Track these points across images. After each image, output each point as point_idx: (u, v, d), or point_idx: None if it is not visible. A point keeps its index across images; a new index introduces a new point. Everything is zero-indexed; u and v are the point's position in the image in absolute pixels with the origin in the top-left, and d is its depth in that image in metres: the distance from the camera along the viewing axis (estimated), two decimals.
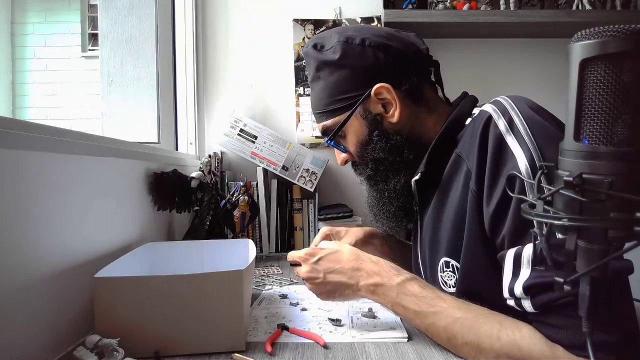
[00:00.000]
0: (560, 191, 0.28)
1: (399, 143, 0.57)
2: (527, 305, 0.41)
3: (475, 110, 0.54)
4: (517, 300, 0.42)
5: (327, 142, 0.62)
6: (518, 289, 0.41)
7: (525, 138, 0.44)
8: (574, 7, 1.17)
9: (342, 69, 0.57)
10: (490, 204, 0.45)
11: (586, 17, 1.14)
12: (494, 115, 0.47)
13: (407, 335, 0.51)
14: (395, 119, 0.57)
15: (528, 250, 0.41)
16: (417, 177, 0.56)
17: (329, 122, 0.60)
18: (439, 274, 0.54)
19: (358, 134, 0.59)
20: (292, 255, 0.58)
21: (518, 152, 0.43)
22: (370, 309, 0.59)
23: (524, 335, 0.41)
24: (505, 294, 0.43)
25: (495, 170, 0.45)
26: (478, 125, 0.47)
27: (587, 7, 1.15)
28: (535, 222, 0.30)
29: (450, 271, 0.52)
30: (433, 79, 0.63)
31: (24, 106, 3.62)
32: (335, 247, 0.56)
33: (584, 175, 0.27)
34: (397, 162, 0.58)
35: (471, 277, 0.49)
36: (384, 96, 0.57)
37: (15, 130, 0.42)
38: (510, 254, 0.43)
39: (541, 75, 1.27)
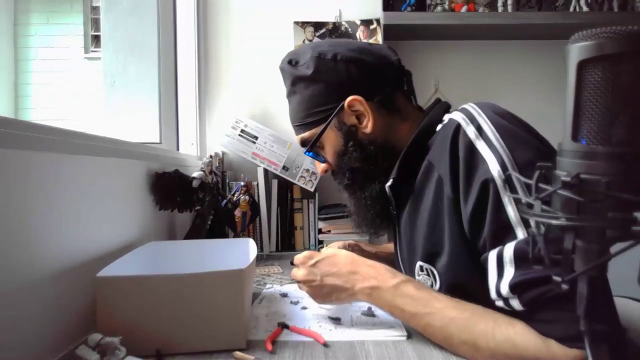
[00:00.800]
0: (558, 191, 0.28)
1: (374, 152, 0.59)
2: (516, 304, 0.42)
3: (445, 117, 0.56)
4: (505, 300, 0.43)
5: (305, 153, 0.64)
6: (504, 289, 0.42)
7: (495, 142, 0.45)
8: (572, 9, 1.18)
9: (316, 83, 0.59)
10: (467, 209, 0.46)
11: (583, 18, 1.14)
12: (463, 123, 0.48)
13: (406, 334, 0.51)
14: (368, 130, 0.59)
15: (509, 249, 0.42)
16: (389, 183, 0.58)
17: (306, 134, 0.63)
18: (417, 277, 0.55)
19: (334, 145, 0.61)
20: (295, 258, 0.59)
21: (489, 156, 0.45)
22: (369, 308, 0.59)
23: (518, 332, 0.42)
24: (493, 295, 0.44)
25: (468, 176, 0.46)
26: (447, 134, 0.49)
27: (585, 8, 1.16)
28: (532, 221, 0.30)
29: (425, 275, 0.54)
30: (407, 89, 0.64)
31: (26, 107, 3.63)
32: (332, 251, 0.57)
33: (581, 176, 0.27)
34: (372, 171, 0.60)
35: (455, 280, 0.50)
36: (357, 108, 0.59)
37: (16, 130, 0.42)
38: (492, 255, 0.43)
39: (539, 76, 1.27)
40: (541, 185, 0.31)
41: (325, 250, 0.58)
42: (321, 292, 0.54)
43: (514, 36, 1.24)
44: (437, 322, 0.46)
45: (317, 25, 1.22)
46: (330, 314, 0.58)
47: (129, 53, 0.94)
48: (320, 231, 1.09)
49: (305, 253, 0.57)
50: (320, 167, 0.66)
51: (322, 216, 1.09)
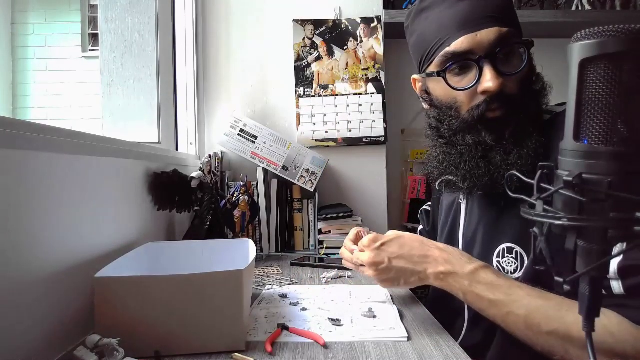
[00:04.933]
0: (560, 191, 0.28)
1: (544, 94, 0.54)
2: (617, 286, 0.40)
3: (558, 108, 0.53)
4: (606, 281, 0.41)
5: (514, 45, 0.52)
6: (611, 269, 0.40)
7: None
8: (574, 7, 1.17)
9: None
10: None
11: (586, 17, 1.14)
12: None
13: (407, 335, 0.51)
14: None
15: None
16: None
17: (513, 30, 0.52)
18: (495, 259, 0.53)
19: (532, 65, 0.53)
20: (360, 243, 0.55)
21: None
22: (370, 309, 0.59)
23: (613, 321, 0.40)
24: None
25: None
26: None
27: (587, 7, 1.16)
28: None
29: (512, 257, 0.51)
30: None
31: (24, 106, 3.62)
32: (397, 233, 0.54)
33: (583, 175, 0.27)
34: (540, 113, 0.53)
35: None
36: None
37: (16, 130, 0.42)
38: None
39: None
40: (543, 185, 0.30)
41: (389, 232, 0.56)
42: (388, 275, 0.52)
43: None
44: (521, 310, 0.44)
45: (317, 23, 1.22)
46: (330, 315, 0.58)
47: (127, 51, 0.93)
48: (320, 232, 1.09)
49: (370, 236, 0.55)
50: (498, 80, 0.50)
51: (322, 216, 1.09)
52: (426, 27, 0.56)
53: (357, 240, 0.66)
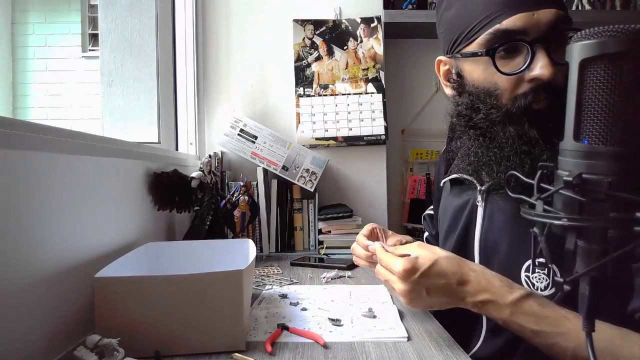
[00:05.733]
0: (560, 191, 0.28)
1: None
2: None
3: None
4: None
5: (569, 30, 0.47)
6: None
7: None
8: (574, 7, 1.17)
9: None
10: None
11: (586, 17, 1.14)
12: None
13: (407, 335, 0.51)
14: None
15: None
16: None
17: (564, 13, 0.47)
18: (523, 274, 0.49)
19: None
20: (386, 260, 0.50)
21: None
22: (370, 309, 0.59)
23: None
24: None
25: None
26: None
27: (587, 7, 1.16)
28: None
29: (544, 273, 0.48)
30: None
31: (24, 106, 3.62)
32: (429, 254, 0.48)
33: (583, 175, 0.27)
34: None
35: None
36: None
37: (16, 130, 0.42)
38: None
39: None
40: (543, 185, 0.30)
41: (420, 252, 0.49)
42: (421, 302, 0.49)
43: None
44: (569, 343, 0.42)
45: (317, 23, 1.22)
46: (330, 315, 0.58)
47: (127, 51, 0.93)
48: (320, 232, 1.09)
49: (406, 265, 0.47)
50: (553, 69, 0.45)
51: (322, 216, 1.09)
52: (471, 0, 0.50)
53: (371, 236, 0.62)
